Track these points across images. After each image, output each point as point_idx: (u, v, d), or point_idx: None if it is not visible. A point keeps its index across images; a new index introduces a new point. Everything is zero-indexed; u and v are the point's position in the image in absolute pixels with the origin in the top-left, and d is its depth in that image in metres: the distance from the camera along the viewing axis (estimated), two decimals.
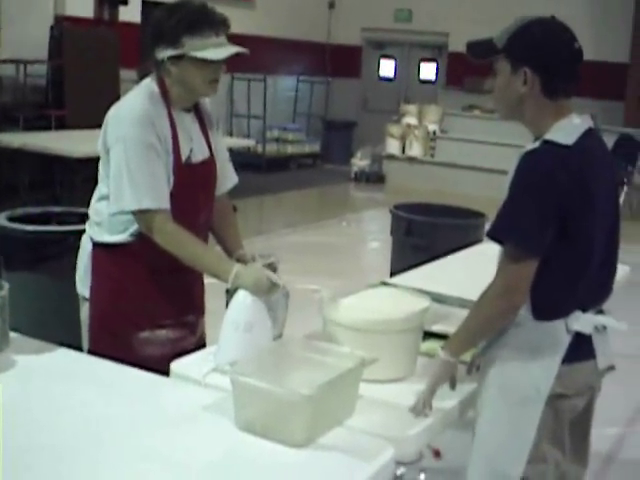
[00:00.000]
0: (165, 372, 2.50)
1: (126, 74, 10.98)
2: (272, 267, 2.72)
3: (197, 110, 2.87)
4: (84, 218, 2.92)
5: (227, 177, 3.04)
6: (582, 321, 2.30)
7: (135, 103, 2.70)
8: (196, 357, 2.63)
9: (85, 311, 2.90)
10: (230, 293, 2.59)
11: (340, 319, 2.52)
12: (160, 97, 2.73)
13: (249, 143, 12.69)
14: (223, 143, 3.04)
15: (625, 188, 10.57)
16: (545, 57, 2.27)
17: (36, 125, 9.95)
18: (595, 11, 13.54)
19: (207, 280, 2.74)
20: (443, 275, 3.66)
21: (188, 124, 2.81)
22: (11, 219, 4.40)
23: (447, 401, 2.38)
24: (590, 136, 2.32)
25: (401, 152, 13.94)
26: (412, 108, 14.20)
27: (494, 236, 2.28)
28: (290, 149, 14.81)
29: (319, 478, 1.92)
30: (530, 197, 2.21)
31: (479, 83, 13.84)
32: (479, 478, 2.38)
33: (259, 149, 13.85)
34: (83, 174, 7.86)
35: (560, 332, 2.29)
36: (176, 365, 2.53)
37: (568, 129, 2.28)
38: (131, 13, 11.60)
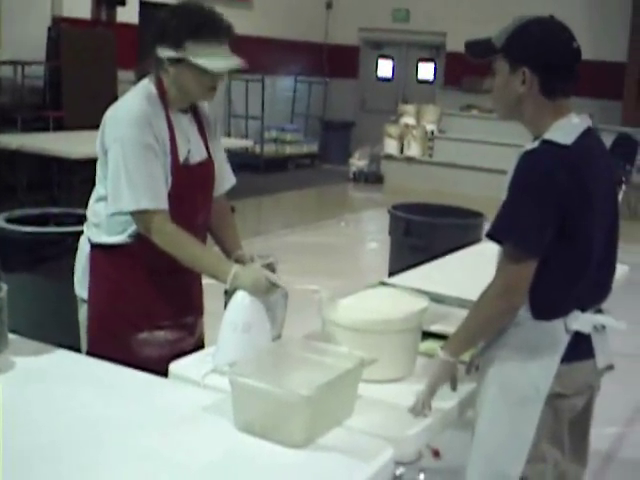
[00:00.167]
0: (164, 373, 2.49)
1: (124, 75, 10.98)
2: (271, 267, 2.72)
3: (195, 111, 2.87)
4: (82, 219, 2.92)
5: (225, 178, 3.04)
6: (581, 320, 2.31)
7: (132, 104, 2.69)
8: (195, 358, 2.63)
9: (83, 312, 2.90)
10: (229, 294, 2.59)
11: (339, 319, 2.52)
12: (158, 98, 2.72)
13: (247, 144, 12.69)
14: (221, 145, 3.04)
15: (623, 187, 10.56)
16: (544, 57, 2.27)
17: (34, 126, 9.95)
18: (593, 11, 13.55)
19: (206, 281, 2.74)
20: (442, 275, 3.66)
21: (186, 125, 2.81)
22: (9, 220, 4.40)
23: (446, 401, 2.38)
24: (589, 135, 2.32)
25: (399, 152, 13.94)
26: (410, 108, 14.20)
27: (493, 236, 2.28)
28: (288, 149, 14.81)
29: (318, 478, 1.92)
30: (529, 197, 2.21)
31: (477, 83, 13.85)
32: (478, 478, 2.38)
33: (257, 149, 13.85)
34: (81, 175, 7.85)
35: (559, 332, 2.29)
36: (175, 366, 2.53)
37: (567, 129, 2.28)
38: (129, 14, 11.60)
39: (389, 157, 14.02)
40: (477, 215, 5.86)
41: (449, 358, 2.34)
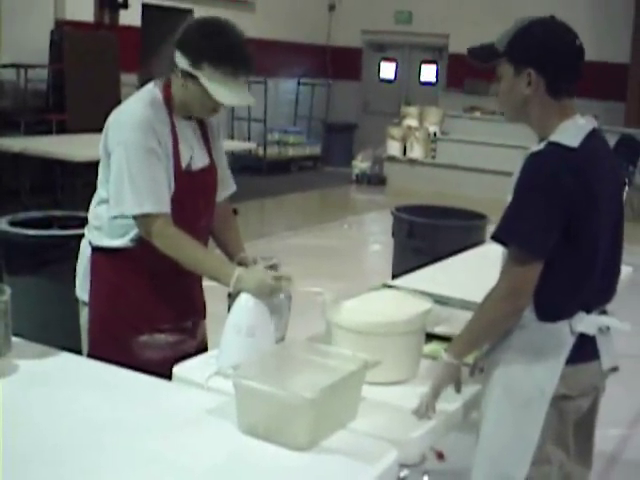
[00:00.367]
0: (166, 375, 2.49)
1: (126, 78, 11.01)
2: (274, 269, 2.71)
3: (198, 118, 2.86)
4: (85, 222, 2.92)
5: (226, 185, 3.04)
6: (586, 322, 2.30)
7: (136, 108, 2.69)
8: (198, 361, 2.63)
9: (84, 315, 2.90)
10: (232, 297, 2.59)
11: (343, 322, 2.52)
12: (162, 103, 2.72)
13: (250, 146, 12.70)
14: (223, 150, 3.04)
15: (627, 189, 10.56)
16: (548, 57, 2.27)
17: (37, 129, 9.96)
18: (596, 12, 13.54)
19: (209, 284, 2.74)
20: (445, 277, 3.65)
21: (189, 132, 2.80)
22: (12, 223, 4.40)
23: (450, 403, 2.38)
24: (594, 137, 2.32)
25: (402, 154, 13.94)
26: (413, 110, 14.20)
27: (499, 238, 2.27)
28: (291, 152, 14.82)
29: None
30: (535, 199, 2.21)
31: (480, 85, 13.85)
32: (484, 479, 2.37)
33: (260, 152, 13.85)
34: (84, 178, 7.86)
35: (564, 333, 2.29)
36: (179, 369, 2.53)
37: (573, 130, 2.28)
38: (131, 17, 11.62)
39: (392, 159, 14.02)
40: (480, 217, 5.86)
41: (453, 360, 2.34)
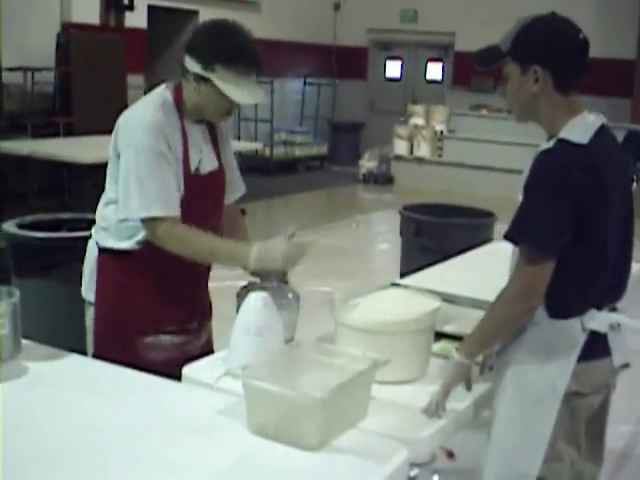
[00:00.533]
0: (171, 376, 2.48)
1: (133, 79, 11.02)
2: (292, 237, 2.70)
3: (209, 122, 2.86)
4: (93, 224, 2.92)
5: (235, 186, 3.04)
6: (597, 319, 2.30)
7: (147, 111, 2.69)
8: (208, 361, 2.63)
9: (90, 316, 2.91)
10: (241, 297, 2.59)
11: (351, 321, 2.52)
12: (173, 106, 2.72)
13: (257, 146, 12.72)
14: (232, 152, 3.04)
15: (634, 185, 10.54)
16: (553, 52, 2.27)
17: (44, 132, 9.98)
18: (601, 8, 13.51)
19: (217, 284, 2.74)
20: (453, 275, 3.65)
21: (199, 135, 2.81)
22: (21, 226, 4.41)
23: (460, 402, 2.37)
24: (603, 133, 2.31)
25: (409, 153, 13.93)
26: (419, 108, 14.19)
27: (511, 237, 2.27)
28: (298, 152, 14.83)
29: None
30: (546, 197, 2.20)
31: (486, 83, 13.84)
32: (495, 478, 2.37)
33: (267, 152, 13.87)
34: (92, 180, 7.87)
35: (576, 331, 2.29)
36: (188, 369, 2.53)
37: (582, 127, 2.27)
38: (137, 19, 11.64)
39: (399, 158, 14.02)
40: (488, 215, 5.85)
41: (464, 360, 2.34)
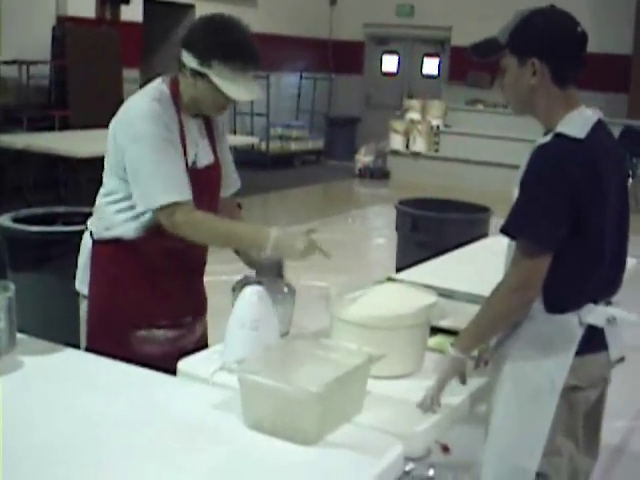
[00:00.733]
0: (164, 370, 2.48)
1: (128, 73, 11.00)
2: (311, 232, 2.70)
3: (205, 116, 2.85)
4: (89, 218, 2.92)
5: (231, 182, 3.05)
6: (595, 314, 2.30)
7: (144, 103, 2.68)
8: (203, 356, 2.63)
9: (84, 308, 2.90)
10: (237, 291, 2.59)
11: (347, 316, 2.51)
12: (170, 100, 2.72)
13: (253, 141, 12.71)
14: (227, 147, 3.04)
15: (630, 180, 10.55)
16: (551, 44, 2.27)
17: (40, 126, 9.97)
18: (597, 3, 13.50)
19: (212, 279, 2.74)
20: (449, 270, 3.65)
21: (195, 129, 2.80)
22: (16, 220, 4.40)
23: (455, 397, 2.37)
24: (600, 128, 2.31)
25: (405, 147, 13.93)
26: (415, 103, 14.17)
27: (507, 232, 2.27)
28: (294, 146, 14.81)
29: (328, 475, 1.92)
30: (543, 191, 2.20)
31: (482, 77, 13.84)
32: (494, 473, 2.37)
33: (263, 146, 13.86)
34: (87, 174, 7.87)
35: (573, 325, 2.29)
36: (183, 364, 2.53)
37: (579, 121, 2.27)
38: (132, 12, 11.62)
39: (395, 152, 14.01)
40: (484, 210, 5.85)
41: (460, 355, 2.34)
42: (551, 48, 2.27)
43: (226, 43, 2.61)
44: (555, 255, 2.22)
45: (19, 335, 2.54)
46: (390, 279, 3.16)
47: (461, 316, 2.68)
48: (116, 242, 2.78)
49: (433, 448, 3.76)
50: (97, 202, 2.85)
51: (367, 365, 2.21)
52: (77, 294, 2.94)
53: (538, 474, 2.31)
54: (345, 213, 10.97)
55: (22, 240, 4.29)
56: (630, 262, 2.61)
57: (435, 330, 2.75)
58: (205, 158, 2.83)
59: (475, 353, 2.48)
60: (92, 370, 2.46)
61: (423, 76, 16.55)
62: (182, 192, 2.64)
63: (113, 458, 1.92)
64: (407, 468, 2.20)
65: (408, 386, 2.43)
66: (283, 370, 2.18)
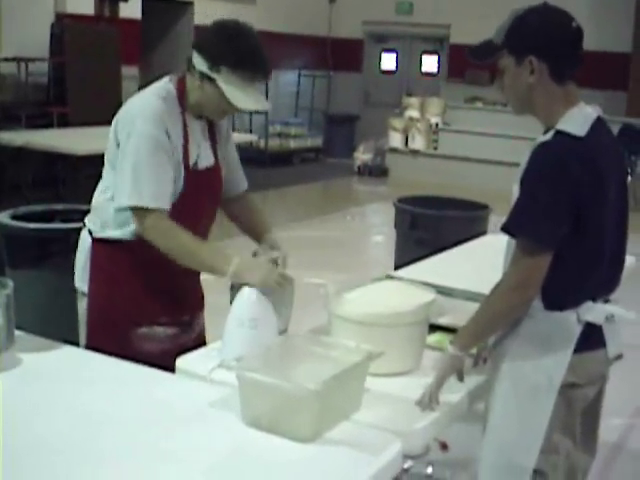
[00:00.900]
0: (163, 367, 2.48)
1: (127, 71, 10.99)
2: (277, 262, 2.71)
3: (209, 118, 2.85)
4: (87, 215, 2.92)
5: (238, 182, 3.07)
6: (593, 311, 2.30)
7: (149, 101, 2.68)
8: (201, 353, 2.63)
9: (83, 306, 2.90)
10: (235, 289, 2.59)
11: (345, 313, 2.51)
12: (176, 99, 2.71)
13: (252, 138, 12.69)
14: (235, 150, 3.05)
15: (629, 178, 10.55)
16: (547, 41, 2.27)
17: (38, 123, 9.95)
18: (596, 1, 13.50)
19: (209, 276, 2.73)
20: (448, 268, 3.65)
21: (198, 130, 2.80)
22: (15, 217, 4.40)
23: (454, 394, 2.37)
24: (600, 125, 2.31)
25: (404, 145, 13.93)
26: (414, 101, 14.17)
27: (508, 230, 2.27)
28: (292, 144, 14.81)
29: (327, 473, 1.92)
30: (544, 190, 2.20)
31: (481, 75, 13.83)
32: (492, 470, 2.37)
33: (262, 144, 13.85)
34: (86, 171, 7.85)
35: (571, 322, 2.29)
36: (181, 361, 2.53)
37: (579, 119, 2.27)
38: (131, 9, 11.60)
39: (394, 150, 14.01)
40: (483, 207, 5.85)
41: (458, 353, 2.34)
42: (547, 45, 2.27)
43: (238, 51, 2.61)
44: (555, 253, 2.22)
45: (17, 332, 2.54)
46: (389, 277, 3.15)
47: (460, 314, 2.68)
48: (115, 241, 2.77)
49: (431, 446, 3.77)
50: (95, 199, 2.84)
51: (366, 363, 2.21)
52: (75, 291, 2.93)
53: (535, 471, 2.32)
54: (344, 211, 10.97)
55: (21, 237, 4.28)
56: (629, 260, 2.61)
57: (434, 328, 2.75)
58: (206, 160, 2.82)
59: (474, 351, 2.48)
60: (91, 367, 2.46)
61: (422, 74, 16.54)
62: (157, 199, 2.62)
63: (112, 455, 1.92)
64: (406, 465, 2.21)
65: (407, 384, 2.43)
66: (281, 368, 2.18)
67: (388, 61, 16.87)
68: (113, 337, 2.79)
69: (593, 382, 2.39)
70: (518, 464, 2.31)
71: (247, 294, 2.51)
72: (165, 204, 2.64)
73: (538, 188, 2.22)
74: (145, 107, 2.66)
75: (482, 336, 2.40)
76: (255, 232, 3.02)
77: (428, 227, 5.54)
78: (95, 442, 1.97)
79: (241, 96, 2.62)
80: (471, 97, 14.44)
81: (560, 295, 2.29)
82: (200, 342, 2.93)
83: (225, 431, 2.07)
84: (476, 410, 2.51)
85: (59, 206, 4.83)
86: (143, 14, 11.99)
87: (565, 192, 2.18)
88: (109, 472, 1.85)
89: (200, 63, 2.64)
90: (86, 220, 2.89)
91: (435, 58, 16.38)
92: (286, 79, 15.44)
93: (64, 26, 10.44)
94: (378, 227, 10.14)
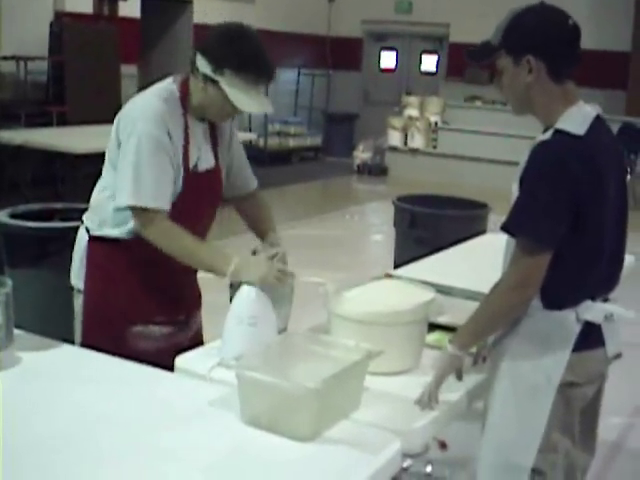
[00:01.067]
0: (160, 366, 2.48)
1: (126, 69, 10.99)
2: (277, 258, 2.70)
3: (210, 121, 2.85)
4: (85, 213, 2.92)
5: (248, 179, 3.10)
6: (593, 310, 2.30)
7: (151, 101, 2.67)
8: (200, 352, 2.62)
9: (79, 303, 2.90)
10: (234, 287, 2.59)
11: (345, 312, 2.51)
12: (178, 101, 2.71)
13: (251, 137, 12.66)
14: (241, 150, 3.06)
15: (628, 177, 10.55)
16: (544, 40, 2.27)
17: (37, 122, 9.94)
18: (596, 0, 13.50)
19: (206, 274, 2.73)
20: (447, 267, 3.65)
21: (200, 132, 2.80)
22: (13, 216, 4.40)
23: (453, 393, 2.37)
24: (599, 124, 2.31)
25: (403, 144, 13.93)
26: (413, 100, 14.18)
27: (508, 229, 2.27)
28: (292, 142, 14.81)
29: (326, 472, 1.92)
30: (543, 188, 2.20)
31: (480, 74, 13.83)
32: (490, 469, 2.37)
33: (261, 143, 13.84)
34: (85, 170, 7.85)
35: (570, 321, 2.29)
36: (181, 360, 2.53)
37: (578, 118, 2.27)
38: (130, 8, 11.59)
39: (393, 149, 14.01)
40: (482, 206, 5.85)
41: (457, 352, 2.33)
42: (544, 44, 2.27)
43: (242, 54, 2.61)
44: (555, 252, 2.22)
45: (16, 331, 2.54)
46: (388, 275, 3.15)
47: (459, 312, 2.68)
48: (113, 239, 2.77)
49: (431, 444, 3.77)
50: (93, 197, 2.84)
51: (365, 361, 2.21)
52: (72, 289, 2.93)
53: (534, 470, 2.32)
54: (343, 209, 10.97)
55: (19, 236, 4.28)
56: (628, 259, 2.60)
57: (433, 326, 2.75)
58: (206, 162, 2.82)
59: (473, 350, 2.48)
60: (90, 366, 2.46)
61: (421, 73, 16.54)
62: (157, 199, 2.62)
63: (111, 453, 1.92)
64: (405, 464, 2.21)
65: (406, 382, 2.43)
66: (281, 366, 2.18)
67: (387, 60, 16.87)
68: (108, 335, 2.79)
69: (592, 381, 2.39)
70: (517, 463, 2.31)
71: (246, 292, 2.51)
72: (165, 204, 2.64)
73: (538, 187, 2.21)
74: (147, 108, 2.66)
75: (481, 335, 2.40)
76: (260, 230, 3.04)
77: (427, 226, 5.54)
78: (94, 440, 1.97)
79: (244, 98, 2.62)
80: (470, 96, 14.44)
81: (559, 294, 2.28)
82: (197, 341, 2.93)
83: (224, 430, 2.07)
84: (475, 409, 2.51)
85: (58, 205, 4.83)
86: (142, 13, 11.99)
87: (565, 191, 2.18)
88: (108, 470, 1.85)
89: (203, 65, 2.64)
90: (84, 218, 2.89)
91: (434, 57, 16.39)
92: (285, 78, 15.43)
93: (63, 25, 10.43)
94: (377, 226, 10.13)
